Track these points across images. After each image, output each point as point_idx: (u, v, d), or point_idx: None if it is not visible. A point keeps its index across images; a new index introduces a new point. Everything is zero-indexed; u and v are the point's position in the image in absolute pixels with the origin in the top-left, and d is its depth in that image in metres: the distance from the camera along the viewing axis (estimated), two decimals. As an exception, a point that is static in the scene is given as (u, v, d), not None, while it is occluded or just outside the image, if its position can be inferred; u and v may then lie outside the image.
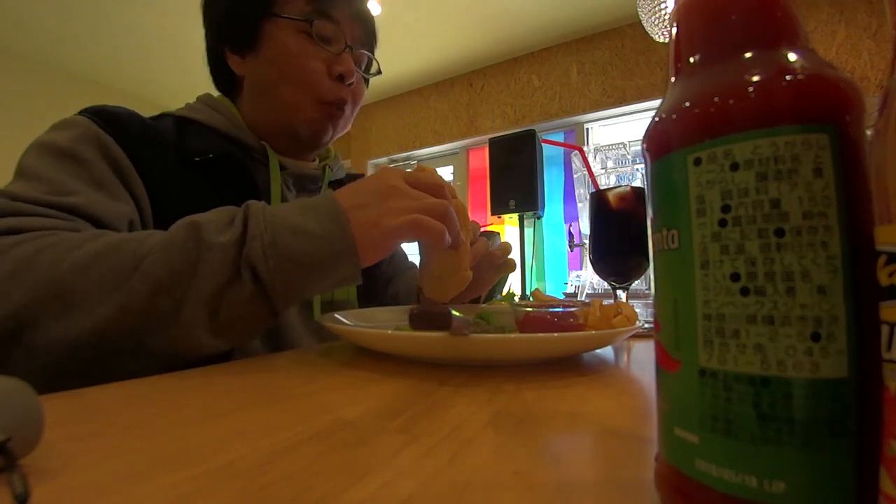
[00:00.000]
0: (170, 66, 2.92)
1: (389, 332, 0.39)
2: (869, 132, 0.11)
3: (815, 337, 0.11)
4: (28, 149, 0.44)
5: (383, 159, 3.65)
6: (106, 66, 2.93)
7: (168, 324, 0.34)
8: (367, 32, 0.62)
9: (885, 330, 0.10)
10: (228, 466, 0.17)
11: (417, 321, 0.28)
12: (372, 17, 0.62)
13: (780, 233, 0.12)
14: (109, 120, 0.48)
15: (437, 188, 0.43)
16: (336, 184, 0.73)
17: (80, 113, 0.48)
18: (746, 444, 0.12)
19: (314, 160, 0.70)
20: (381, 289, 0.75)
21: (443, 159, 3.48)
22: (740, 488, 0.12)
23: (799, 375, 0.11)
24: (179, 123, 0.56)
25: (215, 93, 0.65)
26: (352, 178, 0.79)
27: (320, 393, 0.29)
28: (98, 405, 0.26)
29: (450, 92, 3.23)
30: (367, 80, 0.65)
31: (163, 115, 0.58)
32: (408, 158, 3.60)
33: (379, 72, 0.66)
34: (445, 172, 3.52)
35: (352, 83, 0.59)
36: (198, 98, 0.62)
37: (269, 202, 0.57)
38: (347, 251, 0.38)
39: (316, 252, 0.37)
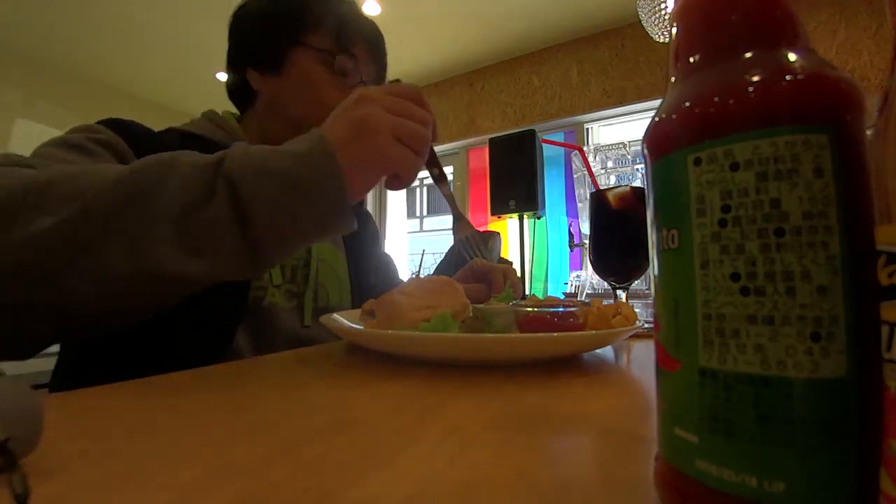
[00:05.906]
0: (172, 67, 2.92)
1: (389, 332, 0.39)
2: (869, 132, 0.11)
3: (815, 337, 0.11)
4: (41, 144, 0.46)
5: (383, 159, 3.64)
6: (107, 66, 2.93)
7: (132, 236, 0.33)
8: (379, 71, 0.67)
9: (885, 330, 0.10)
10: (228, 466, 0.17)
11: None
12: (386, 57, 0.68)
13: (780, 233, 0.12)
14: (121, 127, 0.52)
15: (418, 100, 0.42)
16: None
17: (95, 123, 0.51)
18: (746, 444, 0.12)
19: None
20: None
21: (443, 159, 3.46)
22: (740, 488, 0.12)
23: (799, 375, 0.11)
24: (184, 138, 0.58)
25: (214, 99, 0.66)
26: None
27: (320, 393, 0.29)
28: (98, 405, 0.26)
29: (450, 92, 3.22)
30: None
31: (169, 130, 0.60)
32: (408, 158, 3.59)
33: None
34: (446, 172, 3.52)
35: None
36: (202, 114, 0.64)
37: None
38: (329, 167, 0.36)
39: (295, 168, 0.35)
